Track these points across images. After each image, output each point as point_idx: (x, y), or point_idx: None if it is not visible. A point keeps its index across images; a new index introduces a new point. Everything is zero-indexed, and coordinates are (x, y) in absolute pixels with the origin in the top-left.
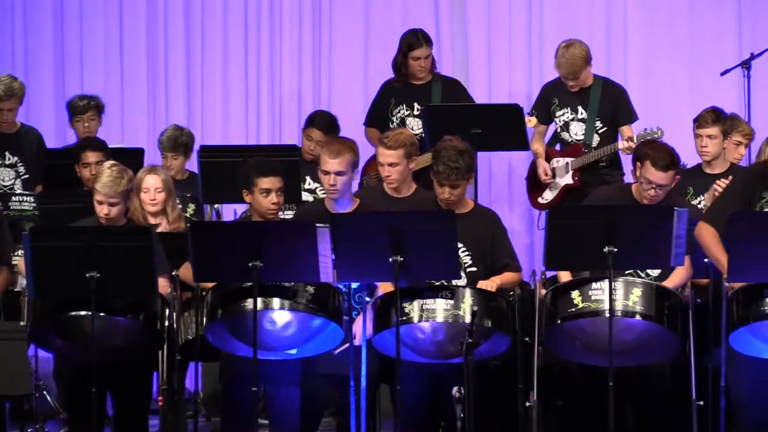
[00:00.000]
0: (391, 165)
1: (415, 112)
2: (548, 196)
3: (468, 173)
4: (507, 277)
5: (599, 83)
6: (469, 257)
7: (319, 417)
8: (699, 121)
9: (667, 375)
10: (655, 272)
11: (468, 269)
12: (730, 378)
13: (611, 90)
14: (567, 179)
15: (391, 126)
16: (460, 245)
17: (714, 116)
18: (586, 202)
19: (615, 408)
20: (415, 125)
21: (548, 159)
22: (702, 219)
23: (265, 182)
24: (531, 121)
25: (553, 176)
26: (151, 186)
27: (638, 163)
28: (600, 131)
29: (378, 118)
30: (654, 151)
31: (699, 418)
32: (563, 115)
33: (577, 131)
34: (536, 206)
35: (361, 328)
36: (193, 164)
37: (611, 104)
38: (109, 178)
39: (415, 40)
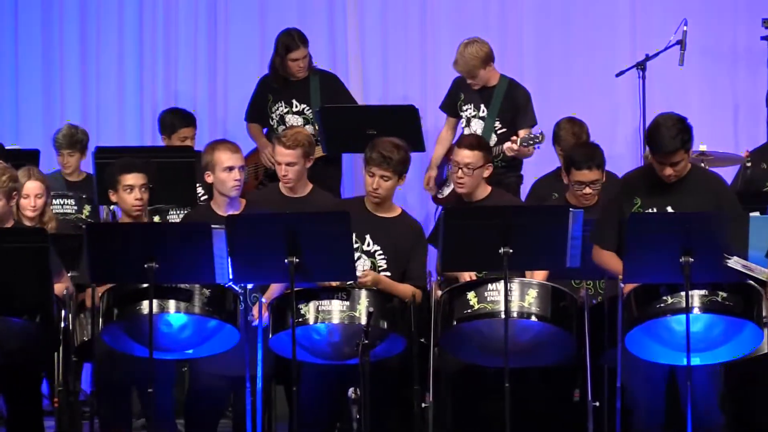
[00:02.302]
0: (288, 164)
1: (294, 109)
2: (446, 191)
3: (399, 167)
4: (399, 289)
5: (504, 84)
6: (384, 261)
7: (217, 417)
8: None
9: (559, 375)
10: None
11: (380, 272)
12: (624, 379)
13: (514, 92)
14: None
15: (271, 122)
16: (377, 247)
17: None
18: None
19: (511, 409)
20: (294, 122)
21: (451, 155)
22: (591, 241)
23: (128, 179)
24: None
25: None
26: (32, 192)
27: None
28: (498, 131)
29: (258, 113)
30: (464, 136)
31: (595, 419)
32: (467, 110)
33: (476, 128)
34: (435, 201)
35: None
36: (88, 165)
37: (512, 106)
38: None
39: (291, 41)
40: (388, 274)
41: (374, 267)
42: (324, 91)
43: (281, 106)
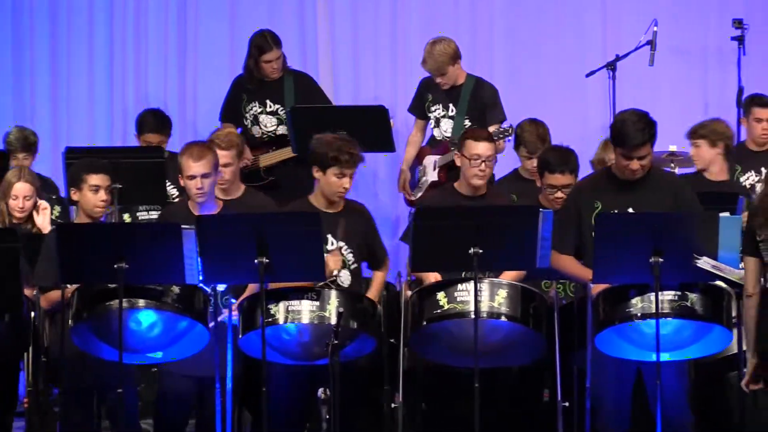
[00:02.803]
0: (225, 165)
1: (268, 109)
2: (418, 193)
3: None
4: (378, 286)
5: (471, 82)
6: (352, 254)
7: (186, 418)
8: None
9: (528, 375)
10: None
11: (352, 266)
12: (593, 379)
13: (482, 89)
14: (434, 176)
15: (245, 122)
16: (341, 244)
17: None
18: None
19: (480, 409)
20: (268, 122)
21: (421, 157)
22: (552, 249)
23: (95, 179)
24: (391, 123)
25: (423, 174)
26: (20, 193)
27: (456, 154)
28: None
29: (232, 113)
30: (469, 131)
31: (564, 419)
32: (435, 111)
33: (446, 128)
34: (409, 204)
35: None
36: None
37: (481, 103)
38: None
39: (264, 43)
40: (356, 266)
41: (345, 264)
42: (298, 92)
43: (255, 106)
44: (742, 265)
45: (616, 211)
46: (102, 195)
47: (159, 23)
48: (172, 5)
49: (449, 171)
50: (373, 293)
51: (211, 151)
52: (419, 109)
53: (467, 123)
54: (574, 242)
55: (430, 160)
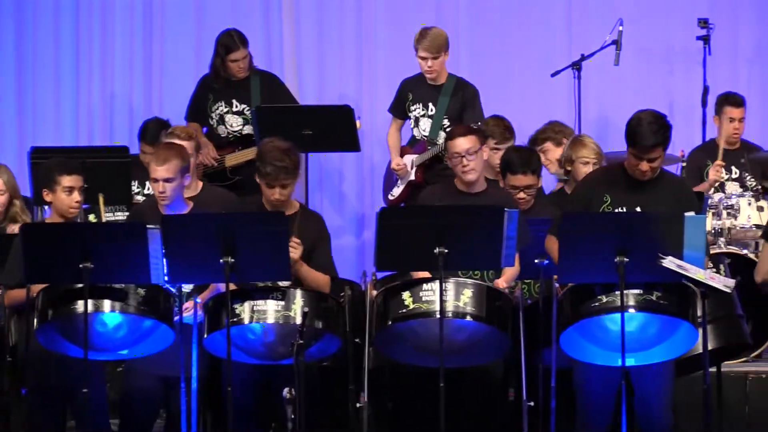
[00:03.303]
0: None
1: (234, 109)
2: (396, 192)
3: (296, 171)
4: (315, 275)
5: (452, 81)
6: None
7: (152, 418)
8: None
9: (495, 375)
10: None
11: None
12: (576, 380)
13: (463, 89)
14: (412, 175)
15: (210, 122)
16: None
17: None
18: (418, 200)
19: (446, 409)
20: (234, 122)
21: (402, 156)
22: (549, 232)
23: (69, 180)
24: (358, 124)
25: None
26: None
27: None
28: (447, 129)
29: (198, 112)
30: (453, 128)
31: (529, 419)
32: (415, 110)
33: (425, 127)
34: (387, 203)
35: (192, 305)
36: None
37: (460, 104)
38: None
39: (231, 42)
40: None
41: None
42: (264, 92)
43: (221, 105)
44: (708, 264)
45: (621, 208)
46: (75, 196)
47: (125, 23)
48: (137, 5)
49: (426, 170)
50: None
51: (176, 156)
52: (399, 108)
53: (446, 123)
54: None
55: (409, 159)
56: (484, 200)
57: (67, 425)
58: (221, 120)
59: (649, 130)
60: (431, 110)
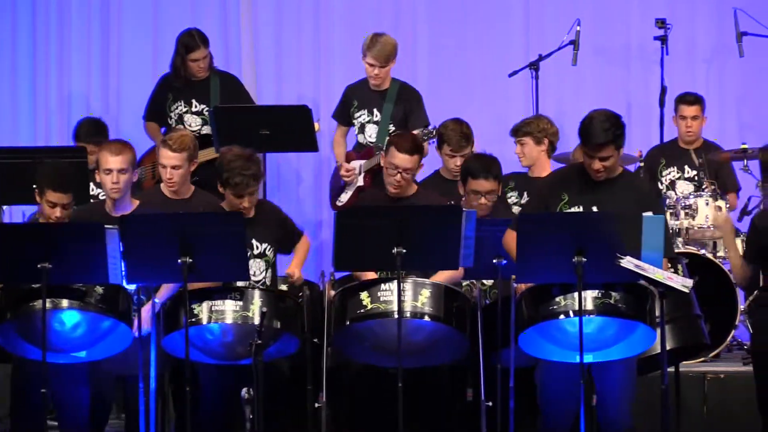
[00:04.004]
0: (174, 168)
1: (194, 109)
2: (344, 198)
3: (261, 175)
4: (302, 253)
5: (396, 86)
6: (272, 251)
7: (106, 417)
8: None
9: (453, 375)
10: None
11: (272, 262)
12: (538, 379)
13: (406, 93)
14: (360, 181)
15: (169, 122)
16: (265, 245)
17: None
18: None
19: (404, 409)
20: (193, 122)
21: (347, 162)
22: (510, 227)
23: (53, 196)
24: (317, 126)
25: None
26: None
27: (382, 154)
28: (392, 134)
29: (156, 112)
30: (397, 137)
31: (487, 419)
32: (360, 117)
33: (371, 133)
34: (334, 208)
35: (149, 315)
36: None
37: (405, 108)
38: None
39: (192, 41)
40: (274, 260)
41: (269, 264)
42: (224, 92)
43: (180, 105)
44: (667, 265)
45: (578, 207)
46: (56, 212)
47: (82, 22)
48: (95, 4)
49: (374, 176)
50: (296, 262)
51: (130, 150)
52: (344, 115)
53: (392, 128)
54: None
55: (356, 165)
56: (412, 204)
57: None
58: (180, 120)
59: (600, 128)
60: (376, 116)
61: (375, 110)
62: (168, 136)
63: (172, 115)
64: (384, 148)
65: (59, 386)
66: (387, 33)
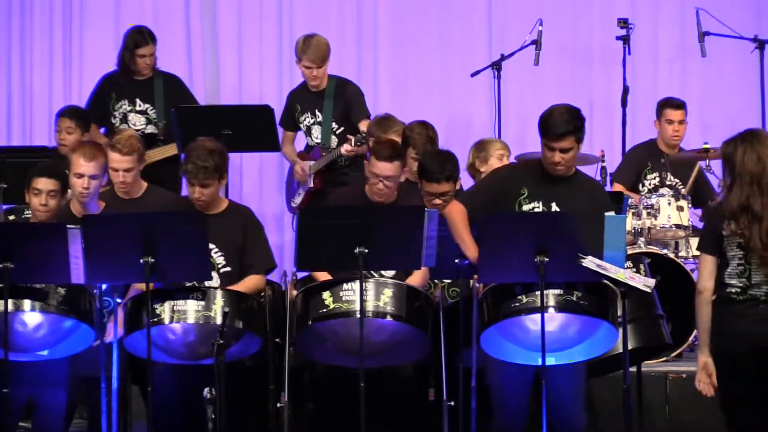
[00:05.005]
0: (126, 171)
1: (138, 108)
2: (297, 200)
3: (218, 173)
4: (244, 284)
5: (332, 83)
6: (223, 257)
7: (70, 418)
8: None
9: (415, 375)
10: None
11: (222, 270)
12: (489, 380)
13: (344, 89)
14: (310, 182)
15: (113, 120)
16: (212, 246)
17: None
18: (325, 203)
19: (366, 409)
20: (137, 121)
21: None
22: (456, 198)
23: (38, 182)
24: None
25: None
26: None
27: (366, 162)
28: (338, 132)
29: (98, 112)
30: (377, 144)
31: (450, 419)
32: (305, 120)
33: (317, 135)
34: (291, 210)
35: (113, 326)
36: None
37: (344, 103)
38: None
39: (141, 38)
40: (229, 269)
41: (214, 266)
42: (167, 93)
43: (125, 104)
44: (628, 264)
45: (537, 203)
46: (42, 199)
47: (43, 19)
48: (57, 2)
49: (323, 176)
50: (236, 286)
51: (103, 155)
52: (289, 121)
53: (335, 125)
54: (479, 206)
55: (306, 167)
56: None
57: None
58: (125, 119)
59: (560, 119)
60: (318, 117)
61: (317, 111)
62: (115, 140)
63: (116, 114)
64: (337, 150)
65: (39, 388)
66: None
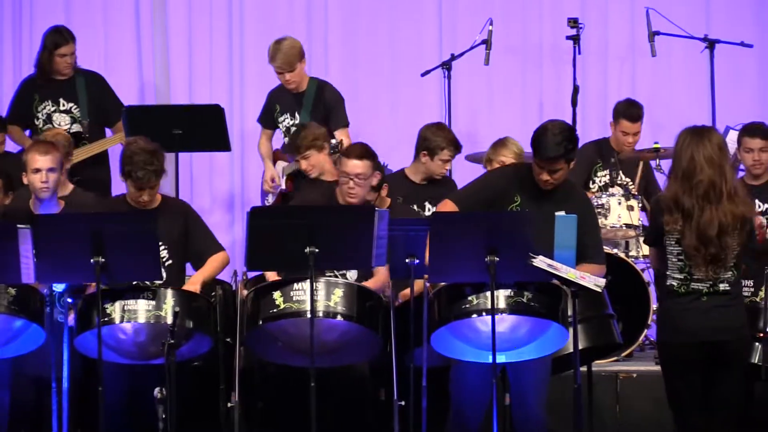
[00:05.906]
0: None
1: (62, 108)
2: (270, 200)
3: (163, 171)
4: (210, 267)
5: (314, 85)
6: (166, 251)
7: (17, 420)
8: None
9: (366, 375)
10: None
11: (166, 263)
12: (453, 376)
13: (325, 93)
14: (282, 184)
15: (36, 122)
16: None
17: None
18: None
19: (317, 408)
20: (62, 121)
21: (274, 161)
22: (448, 197)
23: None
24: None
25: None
26: None
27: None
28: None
29: (20, 115)
30: (348, 146)
31: (400, 418)
32: (284, 121)
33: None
34: None
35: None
36: None
37: (324, 107)
38: None
39: (60, 38)
40: (171, 262)
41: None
42: (90, 91)
43: (48, 104)
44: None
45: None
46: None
47: None
48: (6, 3)
49: (295, 178)
50: (200, 273)
51: (57, 149)
52: (268, 119)
53: None
54: (472, 207)
55: (280, 167)
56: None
57: None
58: (49, 119)
59: (553, 141)
60: (297, 119)
61: (296, 113)
62: (43, 136)
63: (40, 115)
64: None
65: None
66: (291, 35)
